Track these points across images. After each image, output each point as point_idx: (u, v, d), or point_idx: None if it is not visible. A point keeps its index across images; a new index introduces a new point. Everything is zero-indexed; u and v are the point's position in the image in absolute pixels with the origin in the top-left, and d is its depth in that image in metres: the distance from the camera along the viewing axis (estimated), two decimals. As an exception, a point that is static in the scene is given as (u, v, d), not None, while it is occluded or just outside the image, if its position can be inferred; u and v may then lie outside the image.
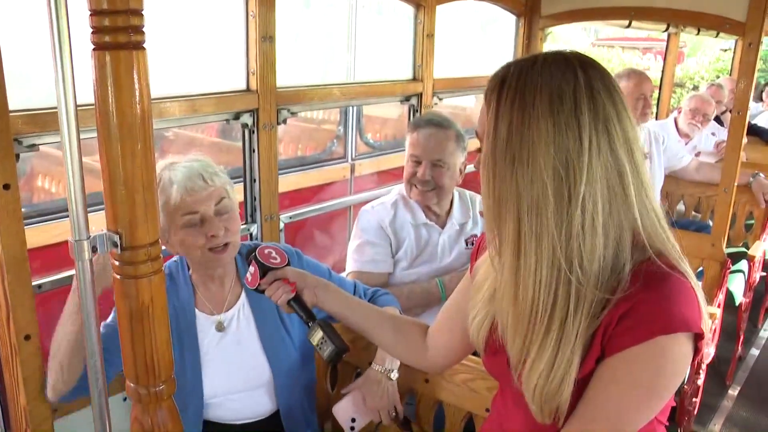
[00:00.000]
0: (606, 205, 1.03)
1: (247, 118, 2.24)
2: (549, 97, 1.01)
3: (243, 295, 1.86)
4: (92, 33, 0.86)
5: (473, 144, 2.53)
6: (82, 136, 0.98)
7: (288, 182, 3.88)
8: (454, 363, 1.58)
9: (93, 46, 0.87)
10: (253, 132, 2.26)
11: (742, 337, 3.92)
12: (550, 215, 1.02)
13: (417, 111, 3.03)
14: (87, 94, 0.91)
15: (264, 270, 1.50)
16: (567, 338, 1.06)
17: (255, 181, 2.32)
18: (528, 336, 1.10)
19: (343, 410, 1.89)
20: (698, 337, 1.04)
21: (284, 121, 2.36)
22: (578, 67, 1.04)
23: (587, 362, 1.07)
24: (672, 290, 1.03)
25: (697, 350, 1.06)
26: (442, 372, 1.81)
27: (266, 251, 1.53)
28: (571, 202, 1.01)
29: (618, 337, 1.04)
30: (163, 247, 1.60)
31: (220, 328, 1.82)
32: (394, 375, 1.86)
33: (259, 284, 1.51)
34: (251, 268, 1.52)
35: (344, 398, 1.91)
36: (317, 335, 1.49)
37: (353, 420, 1.89)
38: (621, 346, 1.03)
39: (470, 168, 2.53)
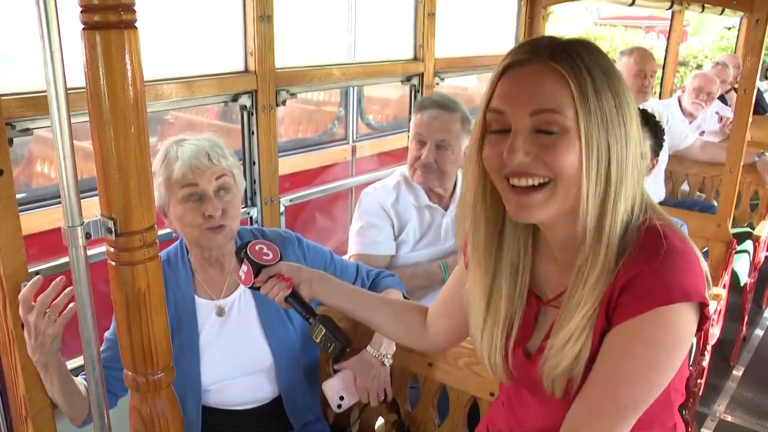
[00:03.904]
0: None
1: (245, 100, 2.21)
2: (617, 71, 1.08)
3: None
4: (81, 12, 0.83)
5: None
6: (77, 119, 0.96)
7: (288, 164, 3.86)
8: (456, 344, 1.58)
9: (82, 26, 0.84)
10: (252, 114, 2.24)
11: (746, 318, 3.91)
12: (631, 172, 1.07)
13: (418, 91, 2.99)
14: (80, 76, 0.88)
15: (257, 268, 1.47)
16: (585, 306, 1.07)
17: (254, 163, 2.30)
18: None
19: (333, 387, 1.89)
20: (702, 306, 1.04)
21: (283, 103, 2.33)
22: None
23: (594, 337, 1.08)
24: (671, 259, 1.03)
25: (703, 317, 1.05)
26: (445, 352, 1.80)
27: (257, 248, 1.50)
28: (628, 166, 1.06)
29: (620, 308, 1.05)
30: (161, 232, 1.58)
31: (221, 313, 1.80)
32: (388, 361, 1.86)
33: (253, 283, 1.48)
34: (244, 267, 1.49)
35: (335, 376, 1.90)
36: (320, 332, 1.47)
37: (341, 398, 1.89)
38: (623, 318, 1.04)
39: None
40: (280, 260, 1.50)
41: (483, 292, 1.22)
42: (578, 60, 1.04)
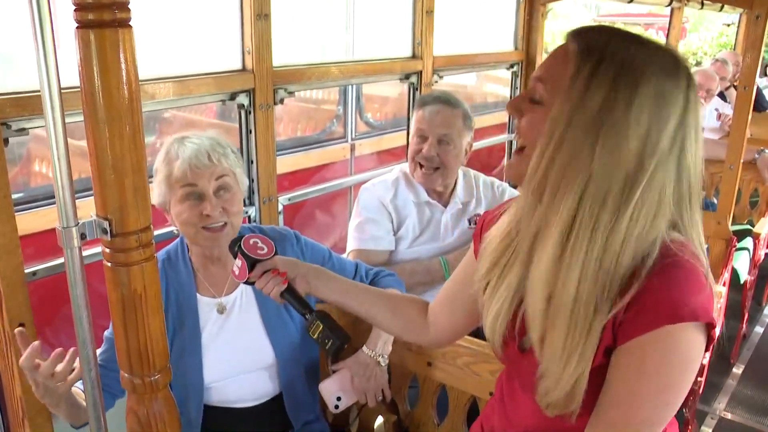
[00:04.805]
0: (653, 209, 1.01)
1: (243, 99, 2.20)
2: (655, 90, 0.98)
3: None
4: (75, 10, 0.82)
5: (479, 123, 2.50)
6: (72, 119, 0.94)
7: (287, 163, 3.85)
8: (456, 339, 1.56)
9: (76, 24, 0.83)
10: (250, 112, 2.23)
11: (746, 316, 3.90)
12: (610, 205, 0.99)
13: (417, 89, 2.98)
14: (74, 75, 0.87)
15: (251, 262, 1.43)
16: (591, 334, 1.03)
17: (252, 162, 2.29)
18: (553, 332, 1.06)
19: (330, 388, 1.88)
20: (710, 327, 1.02)
21: (281, 101, 2.32)
22: (684, 71, 1.03)
23: (598, 351, 1.04)
24: (680, 278, 1.00)
25: (710, 339, 1.03)
26: (444, 350, 1.79)
27: (251, 241, 1.46)
28: (631, 198, 0.99)
29: (627, 325, 1.02)
30: (158, 232, 1.57)
31: (222, 311, 1.80)
32: (384, 361, 1.85)
33: (248, 277, 1.44)
34: (238, 262, 1.45)
35: (332, 376, 1.89)
36: (317, 329, 1.45)
37: (338, 399, 1.88)
38: (630, 335, 1.01)
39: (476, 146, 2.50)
40: (275, 254, 1.46)
41: (504, 241, 1.18)
42: (595, 49, 1.01)
